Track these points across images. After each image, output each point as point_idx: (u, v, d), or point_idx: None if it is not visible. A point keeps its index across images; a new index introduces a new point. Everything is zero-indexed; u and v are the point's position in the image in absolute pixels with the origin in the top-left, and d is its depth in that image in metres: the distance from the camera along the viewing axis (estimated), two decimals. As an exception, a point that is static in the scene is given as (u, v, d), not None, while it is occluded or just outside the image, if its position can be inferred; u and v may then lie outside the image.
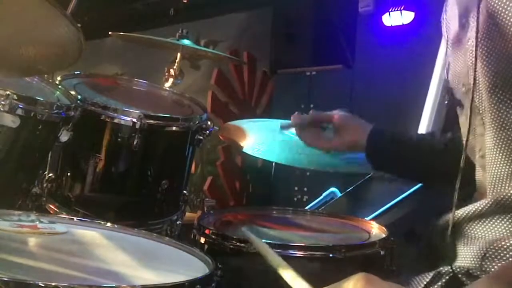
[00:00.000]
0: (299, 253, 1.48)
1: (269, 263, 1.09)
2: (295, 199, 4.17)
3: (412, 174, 1.63)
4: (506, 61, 1.00)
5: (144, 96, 2.15)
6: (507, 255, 1.01)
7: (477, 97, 1.08)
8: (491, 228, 1.06)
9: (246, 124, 1.95)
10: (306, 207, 3.53)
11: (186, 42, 2.25)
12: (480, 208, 1.07)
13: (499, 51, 1.01)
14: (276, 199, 4.35)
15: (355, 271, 0.95)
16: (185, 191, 2.03)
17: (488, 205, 1.05)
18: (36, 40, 1.17)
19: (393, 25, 4.00)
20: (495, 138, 1.05)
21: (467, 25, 1.10)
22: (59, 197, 1.82)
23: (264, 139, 1.82)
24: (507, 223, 1.04)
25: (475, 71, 1.06)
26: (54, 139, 1.65)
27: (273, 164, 4.10)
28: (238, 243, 1.49)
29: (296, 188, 4.19)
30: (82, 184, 1.85)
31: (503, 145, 1.04)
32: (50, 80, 1.80)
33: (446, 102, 1.24)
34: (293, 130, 1.67)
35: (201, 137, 1.94)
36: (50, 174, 1.82)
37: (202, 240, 1.59)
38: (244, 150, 1.76)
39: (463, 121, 1.16)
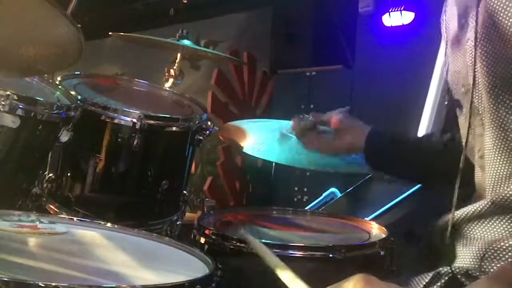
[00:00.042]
0: (299, 253, 1.48)
1: (267, 264, 1.10)
2: (295, 199, 4.17)
3: (411, 175, 1.63)
4: (505, 62, 1.00)
5: (144, 96, 2.15)
6: (506, 256, 1.01)
7: (476, 97, 1.07)
8: (490, 228, 1.06)
9: (246, 124, 1.95)
10: (306, 207, 3.53)
11: (186, 42, 2.25)
12: (479, 209, 1.07)
13: (498, 51, 1.01)
14: (276, 199, 4.35)
15: (355, 272, 0.95)
16: (185, 191, 2.04)
17: (487, 205, 1.05)
18: (36, 40, 1.17)
19: (393, 25, 4.00)
20: (494, 139, 1.05)
21: (466, 26, 1.10)
22: (59, 197, 1.82)
23: (264, 139, 1.82)
24: (506, 223, 1.03)
25: (474, 71, 1.06)
26: (54, 139, 1.65)
27: (273, 164, 4.10)
28: (238, 243, 1.49)
29: (296, 188, 4.19)
30: (82, 184, 1.85)
31: (502, 146, 1.04)
32: (50, 80, 1.80)
33: (446, 102, 1.24)
34: (293, 135, 1.68)
35: (201, 137, 1.94)
36: (50, 174, 1.82)
37: (202, 240, 1.59)
38: (244, 150, 1.76)
39: (463, 122, 1.16)
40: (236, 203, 4.43)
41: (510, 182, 1.03)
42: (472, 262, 1.06)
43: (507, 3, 0.99)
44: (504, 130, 1.03)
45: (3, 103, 1.43)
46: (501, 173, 1.04)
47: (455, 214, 1.11)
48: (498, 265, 1.02)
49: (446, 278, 1.08)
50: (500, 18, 1.00)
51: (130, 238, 1.38)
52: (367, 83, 3.98)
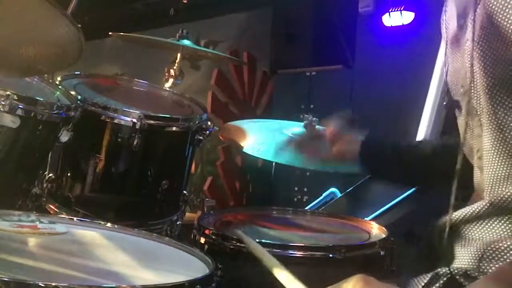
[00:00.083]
0: (299, 253, 1.48)
1: (264, 264, 1.10)
2: (295, 199, 4.17)
3: (408, 177, 1.62)
4: (504, 63, 1.00)
5: (144, 96, 2.15)
6: (505, 256, 1.01)
7: (475, 98, 1.07)
8: (489, 229, 1.05)
9: (246, 124, 1.96)
10: (306, 207, 3.53)
11: (186, 42, 2.25)
12: (477, 209, 1.07)
13: (496, 52, 1.01)
14: (276, 199, 4.35)
15: (355, 272, 0.95)
16: (185, 191, 2.04)
17: (486, 206, 1.05)
18: (36, 40, 1.17)
19: (393, 25, 4.00)
20: (492, 140, 1.05)
21: (465, 26, 1.10)
22: (59, 197, 1.82)
23: (264, 139, 1.82)
24: (505, 224, 1.03)
25: (472, 72, 1.06)
26: (54, 139, 1.65)
27: (273, 164, 4.10)
28: (238, 243, 1.49)
29: (296, 188, 4.19)
30: (82, 184, 1.85)
31: (500, 147, 1.04)
32: (50, 80, 1.80)
33: (444, 103, 1.24)
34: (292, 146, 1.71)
35: (201, 137, 1.95)
36: (50, 174, 1.82)
37: (202, 240, 1.58)
38: (244, 150, 1.76)
39: (461, 122, 1.16)
40: (236, 203, 4.43)
41: (509, 183, 1.03)
42: (470, 263, 1.05)
43: (505, 4, 0.99)
44: (502, 131, 1.03)
45: (3, 103, 1.43)
46: (499, 174, 1.04)
47: (454, 215, 1.11)
48: (496, 265, 1.02)
49: (445, 278, 1.08)
50: (499, 19, 1.00)
51: (130, 238, 1.38)
52: (367, 83, 3.99)
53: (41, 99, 1.57)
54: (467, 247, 1.08)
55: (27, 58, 1.18)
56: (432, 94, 3.54)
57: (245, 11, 5.15)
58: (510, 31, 0.99)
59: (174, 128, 1.89)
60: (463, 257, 1.08)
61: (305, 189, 4.15)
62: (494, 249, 1.02)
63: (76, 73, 1.97)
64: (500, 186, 1.04)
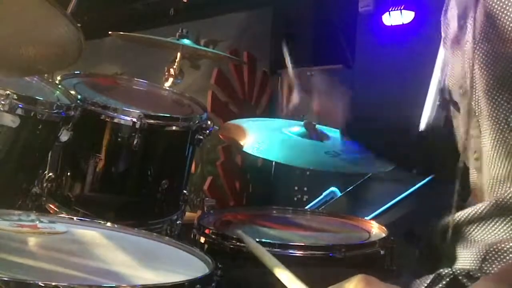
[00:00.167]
0: (299, 253, 1.48)
1: (265, 264, 1.10)
2: (295, 199, 4.17)
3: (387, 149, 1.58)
4: (505, 60, 1.00)
5: (144, 96, 2.15)
6: (507, 257, 1.01)
7: (474, 99, 1.07)
8: (491, 230, 1.05)
9: (246, 123, 1.96)
10: (306, 207, 3.53)
11: (186, 41, 2.25)
12: (479, 210, 1.07)
13: (497, 50, 1.01)
14: (276, 199, 4.35)
15: (355, 271, 0.95)
16: (185, 191, 2.04)
17: (488, 207, 1.05)
18: (36, 40, 1.17)
19: (393, 24, 4.00)
20: (492, 140, 1.05)
21: (465, 27, 1.10)
22: (59, 197, 1.82)
23: (264, 138, 1.83)
24: (507, 225, 1.03)
25: (472, 73, 1.06)
26: (54, 139, 1.65)
27: (273, 163, 4.10)
28: (238, 243, 1.49)
29: (296, 188, 4.18)
30: (82, 184, 1.85)
31: (501, 147, 1.04)
32: (50, 80, 1.80)
33: (438, 103, 1.24)
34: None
35: (201, 137, 1.94)
36: (50, 174, 1.82)
37: (202, 240, 1.59)
38: (244, 149, 1.76)
39: (458, 123, 1.17)
40: (236, 202, 4.43)
41: (509, 183, 1.03)
42: (473, 264, 1.05)
43: (506, 2, 0.99)
44: (502, 132, 1.03)
45: (3, 102, 1.43)
46: (500, 175, 1.04)
47: (456, 216, 1.10)
48: (499, 266, 1.02)
49: (448, 279, 1.08)
50: (499, 17, 1.00)
51: (130, 238, 1.38)
52: (367, 83, 3.98)
53: (41, 98, 1.57)
54: (469, 248, 1.08)
55: (27, 58, 1.18)
56: (432, 94, 3.54)
57: (245, 11, 5.15)
58: (510, 29, 0.99)
59: (174, 128, 1.89)
60: (465, 258, 1.08)
61: (305, 189, 4.14)
62: (496, 250, 1.02)
63: (76, 72, 1.97)
64: (502, 187, 1.04)
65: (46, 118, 1.56)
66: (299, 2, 4.34)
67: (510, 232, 1.03)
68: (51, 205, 1.80)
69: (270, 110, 4.66)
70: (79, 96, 1.77)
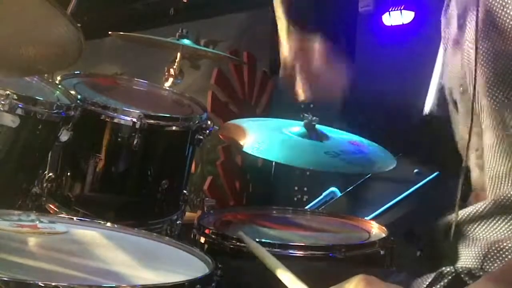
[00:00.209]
0: (299, 253, 1.48)
1: (266, 265, 1.10)
2: (295, 199, 4.16)
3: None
4: (505, 58, 1.01)
5: (144, 96, 2.15)
6: (509, 256, 1.01)
7: (475, 97, 1.08)
8: (492, 229, 1.06)
9: (246, 123, 1.96)
10: (306, 207, 3.53)
11: (186, 41, 2.25)
12: (481, 209, 1.07)
13: (497, 47, 1.01)
14: (276, 199, 4.35)
15: (355, 271, 0.95)
16: (185, 191, 2.04)
17: (489, 206, 1.05)
18: (36, 40, 1.17)
19: (393, 24, 4.00)
20: (494, 138, 1.05)
21: (465, 26, 1.10)
22: (59, 197, 1.82)
23: (264, 138, 1.83)
24: (508, 224, 1.04)
25: (472, 71, 1.06)
26: (54, 139, 1.65)
27: (273, 163, 4.09)
28: (238, 243, 1.49)
29: (296, 188, 4.18)
30: (82, 184, 1.85)
31: (503, 144, 1.04)
32: (50, 80, 1.80)
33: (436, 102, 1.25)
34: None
35: (201, 137, 1.95)
36: (50, 174, 1.82)
37: (202, 240, 1.59)
38: (244, 149, 1.76)
39: (458, 121, 1.17)
40: (236, 202, 4.42)
41: (511, 181, 1.03)
42: (474, 263, 1.06)
43: (506, 1, 1.00)
44: (503, 130, 1.03)
45: (2, 102, 1.43)
46: (501, 172, 1.05)
47: (457, 214, 1.10)
48: (500, 265, 1.02)
49: (450, 277, 1.08)
50: (499, 16, 1.01)
51: (130, 238, 1.38)
52: (367, 83, 3.98)
53: (41, 98, 1.57)
54: (471, 246, 1.08)
55: (27, 58, 1.18)
56: (432, 93, 3.54)
57: (245, 11, 5.14)
58: (510, 26, 0.99)
59: (174, 128, 1.89)
60: (467, 257, 1.08)
61: (305, 189, 4.14)
62: (498, 249, 1.03)
63: (75, 72, 1.97)
64: (502, 184, 1.04)
65: (46, 118, 1.56)
66: (299, 2, 4.33)
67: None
68: (51, 205, 1.80)
69: (270, 110, 4.66)
70: (79, 96, 1.77)
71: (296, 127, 1.85)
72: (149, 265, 1.18)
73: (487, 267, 1.04)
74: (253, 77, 4.74)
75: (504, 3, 1.00)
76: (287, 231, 1.76)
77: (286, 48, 1.48)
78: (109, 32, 2.41)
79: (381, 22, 4.06)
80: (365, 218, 1.98)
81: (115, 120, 1.80)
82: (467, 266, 1.07)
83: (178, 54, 2.24)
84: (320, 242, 1.66)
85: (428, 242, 1.23)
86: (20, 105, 1.47)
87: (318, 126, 1.84)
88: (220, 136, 2.02)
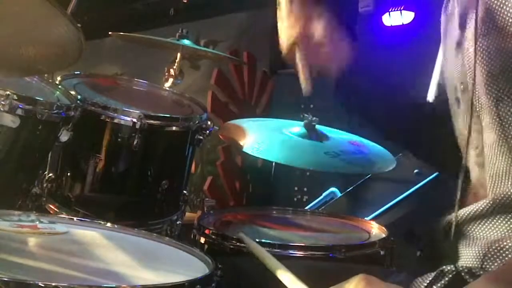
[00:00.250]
0: (299, 253, 1.48)
1: (266, 266, 1.10)
2: (295, 199, 4.16)
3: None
4: (505, 55, 1.01)
5: (144, 96, 2.15)
6: (509, 255, 1.01)
7: (475, 95, 1.08)
8: (492, 228, 1.06)
9: (246, 123, 1.96)
10: (306, 207, 3.53)
11: (186, 42, 2.25)
12: (481, 208, 1.07)
13: (498, 45, 1.02)
14: (276, 199, 4.34)
15: (355, 271, 0.95)
16: (185, 191, 2.04)
17: (489, 205, 1.05)
18: (36, 40, 1.17)
19: (393, 25, 4.00)
20: (494, 136, 1.05)
21: (465, 25, 1.11)
22: (59, 197, 1.82)
23: (264, 138, 1.83)
24: (508, 223, 1.04)
25: (473, 69, 1.06)
26: (54, 139, 1.65)
27: (273, 164, 4.09)
28: (238, 243, 1.49)
29: (296, 188, 4.18)
30: (82, 184, 1.85)
31: (503, 143, 1.04)
32: (50, 80, 1.80)
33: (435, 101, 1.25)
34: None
35: (201, 137, 1.95)
36: (50, 174, 1.82)
37: (202, 240, 1.59)
38: (244, 149, 1.76)
39: (457, 116, 1.17)
40: (236, 203, 4.42)
41: (511, 179, 1.03)
42: (474, 262, 1.06)
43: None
44: (504, 127, 1.03)
45: (3, 102, 1.43)
46: (501, 170, 1.05)
47: (458, 214, 1.10)
48: (500, 264, 1.02)
49: (450, 276, 1.08)
50: (498, 13, 1.01)
51: (130, 238, 1.38)
52: (367, 83, 3.97)
53: (41, 99, 1.57)
54: (471, 246, 1.08)
55: (27, 58, 1.18)
56: (432, 93, 3.54)
57: (245, 11, 5.15)
58: (509, 24, 0.99)
59: (174, 128, 1.89)
60: (467, 256, 1.08)
61: (305, 189, 4.14)
62: (498, 248, 1.03)
63: (76, 73, 1.97)
64: (503, 183, 1.04)
65: (46, 118, 1.56)
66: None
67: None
68: (51, 206, 1.80)
69: (270, 110, 4.66)
70: (79, 97, 1.77)
71: (296, 127, 1.85)
72: (149, 266, 1.18)
73: (487, 266, 1.04)
74: (253, 77, 4.74)
75: (503, 1, 1.00)
76: (287, 231, 1.76)
77: (288, 24, 1.45)
78: (109, 32, 2.41)
79: (381, 22, 4.05)
80: (365, 218, 1.98)
81: (115, 121, 1.80)
82: (467, 265, 1.07)
83: (178, 54, 2.24)
84: (320, 242, 1.66)
85: (428, 242, 1.23)
86: (20, 106, 1.47)
87: (318, 127, 1.84)
88: (220, 136, 2.02)
